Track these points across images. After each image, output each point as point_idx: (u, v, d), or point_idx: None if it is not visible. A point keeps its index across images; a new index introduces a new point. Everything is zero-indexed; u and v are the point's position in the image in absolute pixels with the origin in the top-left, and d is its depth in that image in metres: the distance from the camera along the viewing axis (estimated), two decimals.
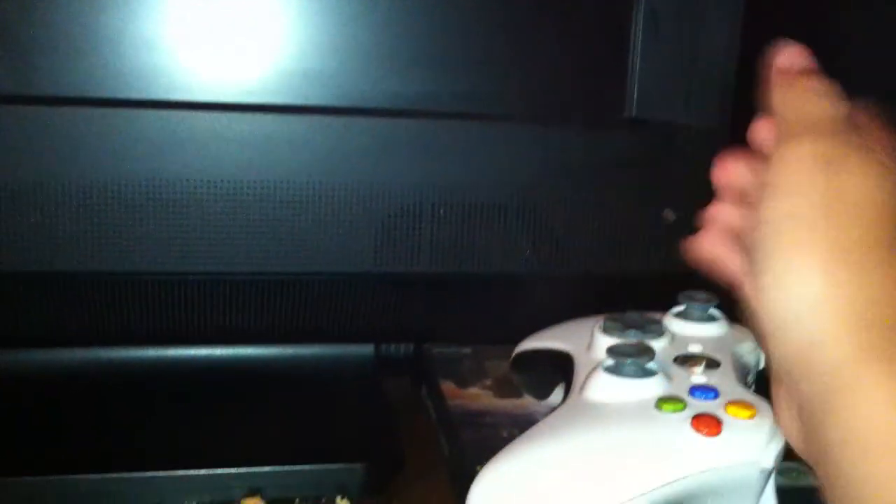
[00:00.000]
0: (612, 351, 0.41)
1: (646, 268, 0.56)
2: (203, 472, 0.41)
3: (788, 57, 0.38)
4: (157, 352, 0.54)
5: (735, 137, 0.56)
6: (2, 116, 0.50)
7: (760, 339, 0.36)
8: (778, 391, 0.36)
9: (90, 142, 0.52)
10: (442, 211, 0.55)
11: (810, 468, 0.40)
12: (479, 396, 0.52)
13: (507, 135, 0.55)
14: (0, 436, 0.44)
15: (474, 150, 0.55)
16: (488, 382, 0.53)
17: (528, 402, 0.51)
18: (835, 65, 0.48)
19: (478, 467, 0.38)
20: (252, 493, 0.41)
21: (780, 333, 0.34)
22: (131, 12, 0.51)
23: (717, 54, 0.56)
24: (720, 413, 0.38)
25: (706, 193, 0.52)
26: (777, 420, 0.36)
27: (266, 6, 0.53)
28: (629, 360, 0.40)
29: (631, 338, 0.44)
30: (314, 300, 0.57)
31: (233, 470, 0.41)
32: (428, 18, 0.55)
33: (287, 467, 0.41)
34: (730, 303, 0.47)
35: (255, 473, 0.41)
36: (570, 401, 0.42)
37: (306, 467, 0.41)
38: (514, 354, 0.52)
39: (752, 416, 0.37)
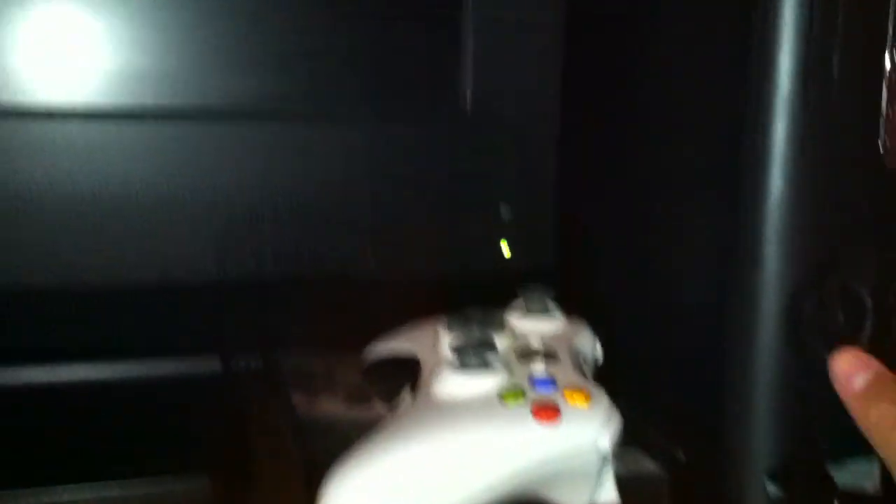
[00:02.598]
0: (454, 348, 0.42)
1: (488, 266, 0.57)
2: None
3: (848, 364, 0.39)
4: None
5: (563, 137, 0.59)
6: None
7: None
8: None
9: None
10: (280, 214, 0.55)
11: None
12: (330, 405, 0.52)
13: (341, 135, 0.55)
14: None
15: (308, 151, 0.55)
16: (339, 391, 0.53)
17: (380, 408, 0.51)
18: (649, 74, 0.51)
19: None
20: None
21: None
22: None
23: (543, 59, 0.58)
24: (559, 401, 0.39)
25: (537, 192, 0.54)
26: None
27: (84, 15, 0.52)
28: (471, 356, 0.42)
29: (474, 334, 0.45)
30: (153, 312, 0.55)
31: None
32: (250, 22, 0.55)
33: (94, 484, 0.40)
34: (567, 295, 0.49)
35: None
36: (417, 400, 0.42)
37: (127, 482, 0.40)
38: (362, 361, 0.52)
39: (587, 402, 0.39)
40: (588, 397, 0.39)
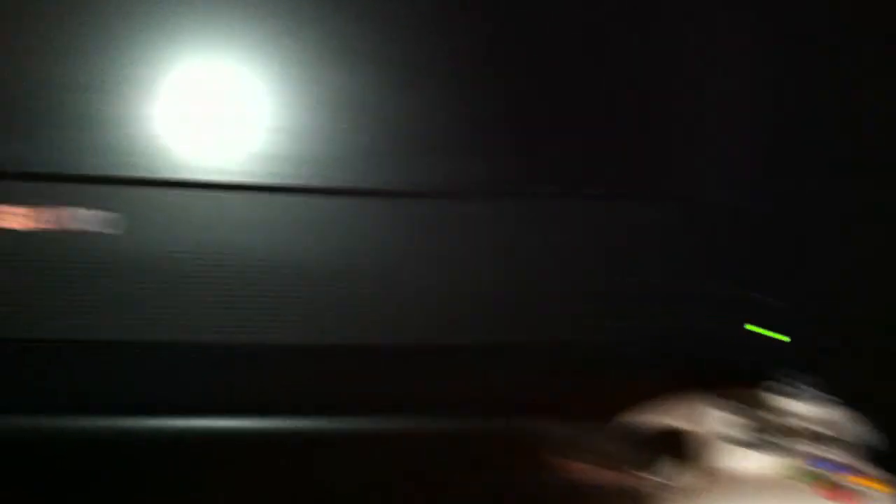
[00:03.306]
0: (735, 425, 0.44)
1: (727, 345, 0.60)
2: None
3: None
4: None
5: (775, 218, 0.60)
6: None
7: None
8: None
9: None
10: (515, 284, 0.59)
11: None
12: (586, 469, 0.54)
13: (572, 211, 0.59)
14: None
15: (533, 225, 0.59)
16: (593, 456, 0.56)
17: (636, 476, 0.54)
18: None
19: None
20: None
21: None
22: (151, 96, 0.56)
23: (752, 138, 0.61)
24: (849, 483, 0.41)
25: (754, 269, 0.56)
26: None
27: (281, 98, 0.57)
28: (753, 433, 0.44)
29: (747, 412, 0.47)
30: (392, 371, 0.59)
31: None
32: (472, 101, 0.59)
33: None
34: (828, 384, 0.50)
35: None
36: (700, 473, 0.45)
37: None
38: (621, 429, 0.55)
39: (880, 487, 0.40)
40: (878, 482, 0.41)
